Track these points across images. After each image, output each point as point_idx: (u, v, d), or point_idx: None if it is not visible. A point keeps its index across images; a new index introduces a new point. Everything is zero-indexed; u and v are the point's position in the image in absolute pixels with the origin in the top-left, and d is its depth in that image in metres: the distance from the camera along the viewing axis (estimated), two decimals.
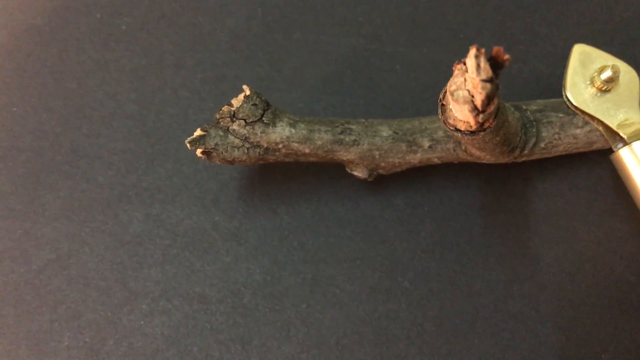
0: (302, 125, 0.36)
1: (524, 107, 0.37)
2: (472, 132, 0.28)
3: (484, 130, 0.28)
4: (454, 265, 0.39)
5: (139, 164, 0.42)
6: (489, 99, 0.24)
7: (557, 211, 0.40)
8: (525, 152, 0.37)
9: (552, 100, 0.38)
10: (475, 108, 0.25)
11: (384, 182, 0.41)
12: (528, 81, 0.42)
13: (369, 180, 0.39)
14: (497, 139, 0.31)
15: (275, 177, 0.41)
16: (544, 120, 0.37)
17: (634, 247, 0.39)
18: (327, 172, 0.41)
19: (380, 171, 0.38)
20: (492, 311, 0.38)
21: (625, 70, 0.38)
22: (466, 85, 0.25)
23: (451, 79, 0.25)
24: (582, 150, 0.39)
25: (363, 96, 0.43)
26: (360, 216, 0.40)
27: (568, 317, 0.38)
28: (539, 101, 0.39)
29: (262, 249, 0.40)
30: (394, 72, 0.43)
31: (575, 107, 0.37)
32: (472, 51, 0.23)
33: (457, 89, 0.25)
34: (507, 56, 0.24)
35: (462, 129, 0.28)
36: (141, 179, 0.41)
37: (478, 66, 0.23)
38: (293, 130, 0.36)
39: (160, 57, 0.44)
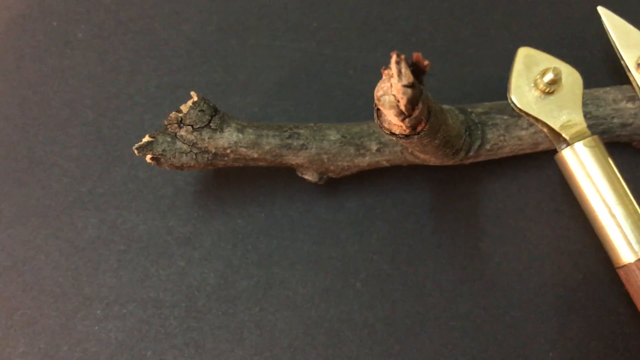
0: (250, 131, 0.36)
1: (469, 109, 0.38)
2: (407, 136, 0.29)
3: (418, 133, 0.29)
4: (405, 266, 0.40)
5: (94, 170, 0.42)
6: (412, 104, 0.25)
7: (506, 211, 0.41)
8: (471, 154, 0.37)
9: (498, 102, 0.39)
10: (401, 112, 0.25)
11: (337, 185, 0.41)
12: (478, 83, 0.43)
13: (319, 183, 0.39)
14: (436, 142, 0.32)
15: (230, 182, 0.42)
16: (489, 123, 0.38)
17: (580, 245, 0.40)
18: (281, 176, 0.41)
19: (331, 174, 0.39)
20: (442, 311, 0.39)
21: (569, 72, 0.38)
22: (392, 90, 0.25)
23: (378, 84, 0.26)
24: (528, 151, 0.39)
25: (317, 100, 0.43)
26: (313, 219, 0.41)
27: (516, 316, 0.39)
28: (486, 104, 0.39)
29: (216, 253, 0.40)
30: (348, 77, 0.43)
31: (520, 110, 0.38)
32: (393, 57, 0.24)
33: (383, 94, 0.25)
34: (426, 62, 0.24)
35: (397, 132, 0.29)
36: (96, 185, 0.42)
37: (400, 72, 0.24)
38: (241, 135, 0.36)
39: (116, 63, 0.44)
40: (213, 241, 0.41)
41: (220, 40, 0.44)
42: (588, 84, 0.40)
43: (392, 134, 0.29)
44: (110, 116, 0.43)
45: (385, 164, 0.38)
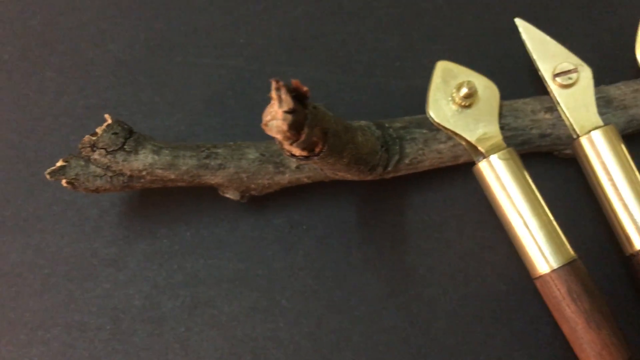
0: (166, 152, 0.36)
1: (387, 124, 0.38)
2: (306, 157, 0.29)
3: (317, 155, 0.29)
4: (331, 281, 0.40)
5: (19, 194, 0.41)
6: (295, 129, 0.25)
7: (431, 223, 0.41)
8: (390, 169, 0.38)
9: (417, 116, 0.39)
10: (288, 137, 0.25)
11: (264, 201, 0.41)
12: (405, 96, 0.43)
13: (242, 201, 0.39)
14: (344, 160, 0.32)
15: (156, 201, 0.41)
16: (408, 137, 0.38)
17: (504, 256, 0.40)
18: (208, 195, 0.41)
19: (253, 192, 0.39)
20: (368, 325, 0.39)
21: (486, 85, 0.39)
22: (277, 115, 0.25)
23: (266, 109, 0.26)
24: (448, 164, 0.40)
25: (244, 117, 0.43)
26: (239, 237, 0.41)
27: (441, 327, 0.39)
28: (405, 118, 0.39)
29: (142, 274, 0.40)
30: None
31: (437, 123, 0.38)
32: (273, 84, 0.24)
33: (271, 119, 0.26)
34: (305, 88, 0.24)
35: (297, 154, 0.29)
36: (20, 208, 0.41)
37: (280, 98, 0.24)
38: (156, 157, 0.36)
39: (42, 84, 0.44)
40: (139, 262, 0.40)
41: (147, 59, 0.44)
42: (510, 95, 0.40)
43: (293, 155, 0.29)
44: (36, 138, 0.43)
45: (306, 180, 0.39)
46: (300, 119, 0.25)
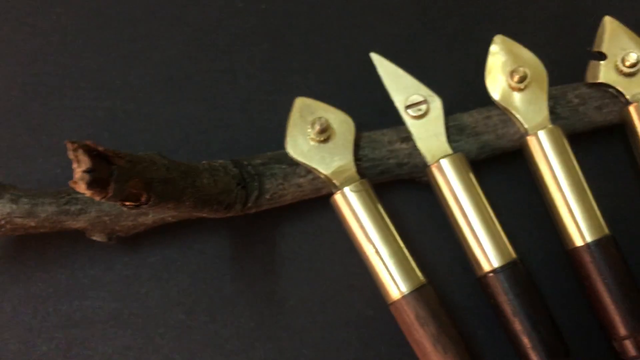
0: (25, 200, 0.37)
1: (246, 162, 0.39)
2: (136, 206, 0.30)
3: (145, 204, 0.30)
4: (204, 316, 0.41)
5: None
6: (100, 186, 0.26)
7: (302, 253, 0.42)
8: (249, 205, 0.39)
9: (278, 152, 0.41)
10: (94, 194, 0.26)
11: (138, 240, 0.42)
12: (278, 131, 0.44)
13: (110, 243, 0.40)
14: (187, 203, 0.33)
15: (30, 245, 0.42)
16: (268, 173, 0.39)
17: (369, 282, 0.41)
18: (82, 236, 0.42)
19: (120, 234, 0.40)
20: (241, 357, 0.40)
21: (343, 119, 0.40)
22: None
23: (74, 165, 0.27)
24: (311, 196, 0.41)
25: None
26: (114, 276, 0.41)
27: (311, 355, 0.40)
28: (267, 154, 0.41)
29: (17, 318, 0.41)
30: (151, 132, 0.44)
31: (295, 159, 0.39)
32: (68, 146, 0.25)
33: (76, 178, 0.26)
34: (101, 148, 0.26)
35: (127, 203, 0.30)
36: None
37: (77, 159, 0.25)
38: (14, 206, 0.37)
39: None
40: (14, 306, 0.41)
41: (24, 103, 0.45)
42: (375, 126, 0.42)
43: (124, 204, 0.30)
44: None
45: (170, 219, 0.40)
46: (104, 176, 0.26)
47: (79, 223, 0.38)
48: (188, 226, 0.42)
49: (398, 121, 0.41)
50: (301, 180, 0.40)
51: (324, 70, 0.46)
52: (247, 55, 0.46)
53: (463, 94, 0.44)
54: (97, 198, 0.27)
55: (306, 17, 0.47)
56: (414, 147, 0.40)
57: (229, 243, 0.42)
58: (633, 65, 0.39)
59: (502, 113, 0.41)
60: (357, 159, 0.40)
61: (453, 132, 0.41)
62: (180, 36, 0.46)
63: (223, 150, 0.44)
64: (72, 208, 0.37)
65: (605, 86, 0.41)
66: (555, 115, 0.41)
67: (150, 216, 0.39)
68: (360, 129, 0.41)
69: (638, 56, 0.39)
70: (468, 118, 0.41)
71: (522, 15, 0.46)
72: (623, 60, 0.40)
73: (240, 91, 0.45)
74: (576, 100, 0.41)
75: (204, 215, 0.37)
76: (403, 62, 0.45)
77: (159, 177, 0.30)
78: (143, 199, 0.30)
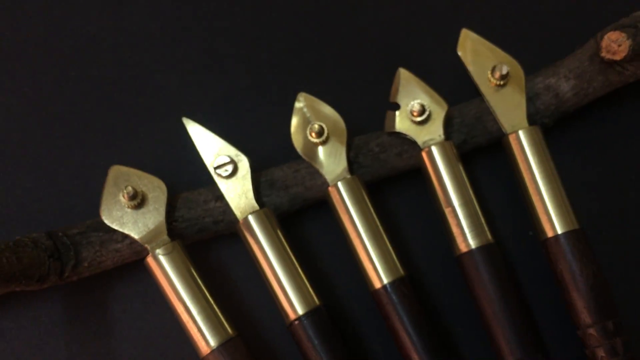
0: None
1: (61, 233, 0.41)
2: None
3: None
4: None
5: None
6: None
7: (133, 312, 0.44)
8: (67, 274, 0.41)
9: (96, 220, 0.42)
10: None
11: None
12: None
13: None
14: None
15: None
16: (84, 242, 0.41)
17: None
18: None
19: None
20: None
21: (156, 184, 0.42)
22: None
23: None
24: (134, 259, 0.43)
25: None
26: None
27: None
28: (87, 222, 0.42)
29: None
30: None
31: (110, 225, 0.41)
32: None
33: None
34: None
35: None
36: None
37: None
38: None
39: None
40: None
41: None
42: (195, 185, 0.44)
43: None
44: None
45: None
46: None
47: None
48: (23, 295, 0.44)
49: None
50: (119, 245, 0.42)
51: (140, 133, 0.48)
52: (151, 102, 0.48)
53: (283, 148, 0.46)
54: None
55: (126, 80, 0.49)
56: (227, 205, 0.43)
57: (62, 308, 0.44)
58: (420, 114, 0.42)
59: (310, 165, 0.44)
60: (174, 220, 0.42)
61: (265, 187, 0.43)
62: None
63: (53, 220, 0.45)
64: None
65: (402, 134, 0.44)
66: (357, 164, 0.44)
67: None
68: (181, 189, 0.43)
69: (422, 105, 0.43)
70: (279, 172, 0.44)
71: (339, 70, 0.49)
72: (412, 110, 0.43)
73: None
74: (377, 149, 0.44)
75: (17, 289, 0.39)
76: (231, 119, 0.47)
77: None
78: None
